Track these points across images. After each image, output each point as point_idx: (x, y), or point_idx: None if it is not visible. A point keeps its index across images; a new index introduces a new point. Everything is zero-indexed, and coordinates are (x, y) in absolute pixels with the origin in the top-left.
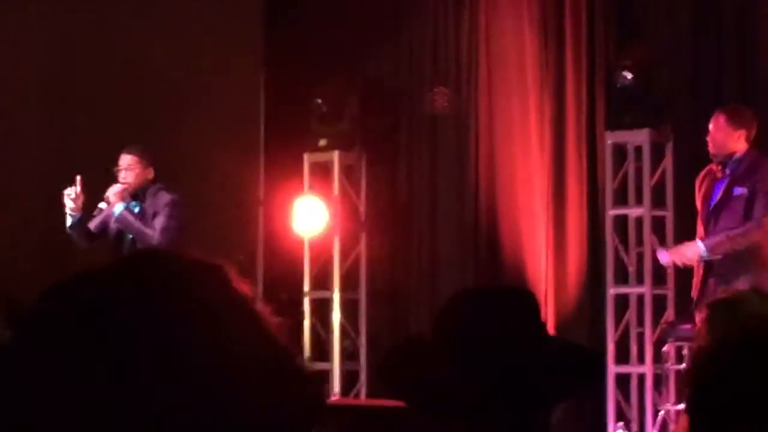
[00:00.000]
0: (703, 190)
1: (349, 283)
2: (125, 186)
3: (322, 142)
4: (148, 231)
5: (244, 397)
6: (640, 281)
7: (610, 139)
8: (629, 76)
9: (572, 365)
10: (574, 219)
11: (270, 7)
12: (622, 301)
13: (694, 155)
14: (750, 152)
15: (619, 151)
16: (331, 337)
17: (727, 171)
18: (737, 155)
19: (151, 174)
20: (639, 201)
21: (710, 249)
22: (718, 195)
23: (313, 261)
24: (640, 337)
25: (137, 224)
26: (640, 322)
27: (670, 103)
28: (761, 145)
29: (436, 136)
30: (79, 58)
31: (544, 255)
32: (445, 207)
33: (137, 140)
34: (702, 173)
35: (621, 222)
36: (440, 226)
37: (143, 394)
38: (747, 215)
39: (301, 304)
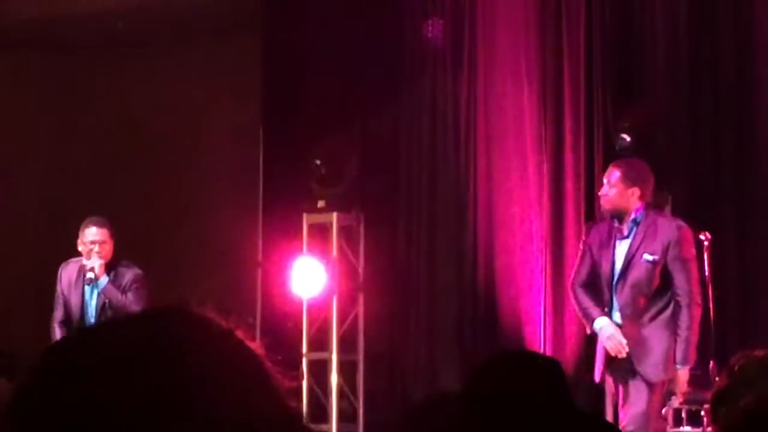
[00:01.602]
0: (598, 242)
1: (347, 344)
2: (102, 258)
3: (321, 204)
4: (131, 305)
5: None
6: None
7: None
8: (627, 138)
9: None
10: None
11: (268, 66)
12: None
13: (694, 216)
14: (647, 212)
15: None
16: (330, 399)
17: (626, 231)
18: (634, 216)
19: (112, 246)
20: None
21: (690, 362)
22: (624, 258)
23: (311, 322)
24: None
25: (121, 297)
26: None
27: (669, 166)
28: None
29: (435, 197)
30: (74, 118)
31: (542, 316)
32: (443, 268)
33: (136, 200)
34: (597, 224)
35: None
36: (438, 287)
37: None
38: (661, 283)
39: (299, 365)
